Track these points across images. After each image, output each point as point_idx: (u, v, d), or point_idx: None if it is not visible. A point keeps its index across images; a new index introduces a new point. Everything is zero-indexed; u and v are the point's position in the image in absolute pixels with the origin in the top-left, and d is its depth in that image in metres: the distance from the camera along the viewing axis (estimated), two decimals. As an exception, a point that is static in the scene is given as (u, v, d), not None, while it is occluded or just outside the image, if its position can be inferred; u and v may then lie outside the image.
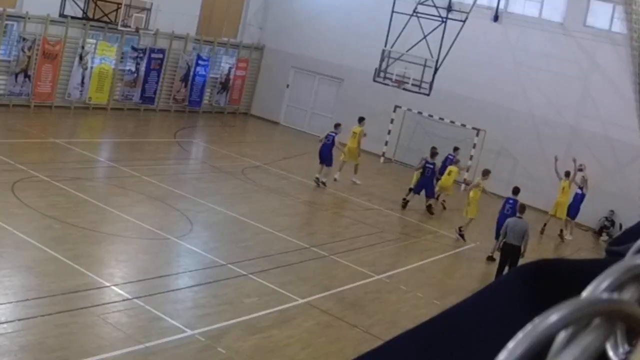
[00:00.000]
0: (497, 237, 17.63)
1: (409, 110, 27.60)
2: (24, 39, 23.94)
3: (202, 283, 13.09)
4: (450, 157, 23.31)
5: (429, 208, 21.47)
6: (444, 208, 22.59)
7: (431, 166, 21.46)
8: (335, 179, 22.39)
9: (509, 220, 16.69)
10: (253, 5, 31.53)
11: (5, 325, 9.90)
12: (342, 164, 22.62)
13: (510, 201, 18.93)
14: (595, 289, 0.60)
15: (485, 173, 20.41)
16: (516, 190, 19.26)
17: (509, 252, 16.07)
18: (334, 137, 21.81)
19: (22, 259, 12.22)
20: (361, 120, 23.45)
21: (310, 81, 31.02)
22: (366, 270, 15.43)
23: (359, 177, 23.00)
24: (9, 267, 11.84)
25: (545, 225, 22.39)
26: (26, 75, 24.28)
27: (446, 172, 22.06)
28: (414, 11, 24.99)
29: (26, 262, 12.14)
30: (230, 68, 30.99)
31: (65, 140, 21.40)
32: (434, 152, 21.83)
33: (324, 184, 21.68)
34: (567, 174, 22.56)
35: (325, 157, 21.72)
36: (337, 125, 22.47)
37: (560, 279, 0.78)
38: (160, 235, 14.89)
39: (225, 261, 14.10)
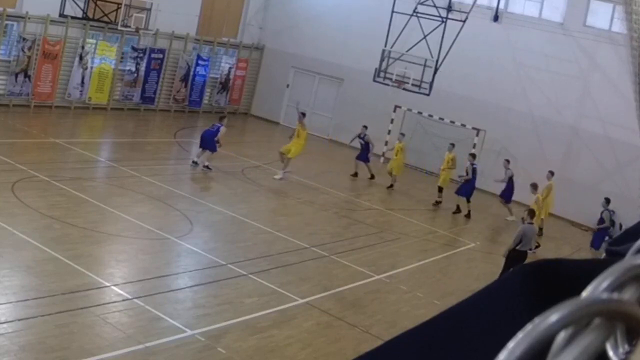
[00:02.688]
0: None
1: (409, 110, 27.59)
2: (24, 39, 23.94)
3: (202, 283, 13.09)
4: (362, 135, 24.56)
5: (468, 212, 22.26)
6: (391, 186, 23.57)
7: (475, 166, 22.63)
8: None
9: (526, 227, 15.98)
10: (253, 5, 31.53)
11: (5, 325, 9.90)
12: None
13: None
14: (595, 289, 0.60)
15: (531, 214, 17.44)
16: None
17: (518, 260, 15.41)
18: (219, 128, 21.42)
19: (22, 259, 12.22)
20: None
21: (310, 81, 31.02)
22: (366, 270, 15.43)
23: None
24: (9, 267, 11.84)
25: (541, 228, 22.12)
26: (26, 75, 24.28)
27: (394, 152, 23.83)
28: (414, 11, 24.99)
29: (26, 262, 12.14)
30: (230, 68, 30.99)
31: (65, 140, 21.40)
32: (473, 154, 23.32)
33: (195, 162, 21.40)
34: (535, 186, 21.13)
35: (208, 142, 21.37)
36: (222, 118, 22.50)
37: (560, 279, 0.78)
38: (160, 235, 14.89)
39: (225, 261, 14.10)
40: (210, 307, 11.98)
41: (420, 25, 24.72)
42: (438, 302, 14.22)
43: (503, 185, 22.96)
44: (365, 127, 24.80)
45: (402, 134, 24.46)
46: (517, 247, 15.70)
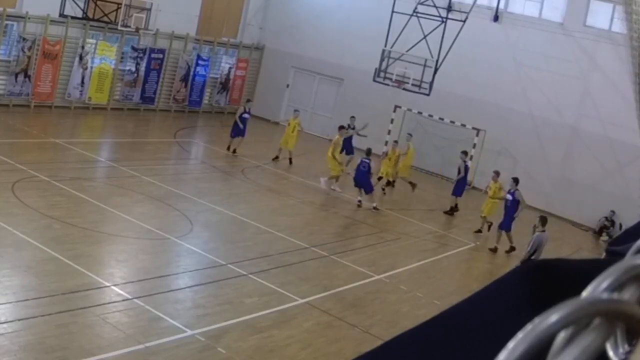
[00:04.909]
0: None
1: (409, 110, 27.60)
2: (24, 39, 23.94)
3: (202, 283, 13.09)
4: (247, 110, 24.41)
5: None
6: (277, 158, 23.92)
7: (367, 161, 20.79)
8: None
9: (541, 236, 15.62)
10: (253, 5, 31.53)
11: (5, 325, 9.90)
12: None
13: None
14: (595, 289, 0.60)
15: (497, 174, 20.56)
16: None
17: None
18: (367, 164, 20.75)
19: (22, 259, 12.22)
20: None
21: (310, 81, 31.03)
22: (366, 270, 15.42)
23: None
24: (9, 267, 11.84)
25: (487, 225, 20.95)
26: (26, 75, 24.28)
27: (290, 128, 24.22)
28: (414, 11, 24.99)
29: (26, 262, 12.14)
30: (230, 68, 30.99)
31: (65, 140, 21.40)
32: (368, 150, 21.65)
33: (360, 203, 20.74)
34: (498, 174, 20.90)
35: (362, 182, 20.68)
36: (368, 152, 21.30)
37: (560, 279, 0.78)
38: (160, 235, 14.88)
39: (225, 261, 14.10)
40: (210, 307, 11.98)
41: (420, 25, 24.72)
42: (438, 302, 14.22)
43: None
44: (249, 100, 25.46)
45: (297, 110, 25.21)
46: (532, 257, 15.23)
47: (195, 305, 12.09)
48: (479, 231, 20.52)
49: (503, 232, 19.14)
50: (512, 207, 19.20)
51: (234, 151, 23.77)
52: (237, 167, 22.34)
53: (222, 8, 30.41)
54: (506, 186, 20.18)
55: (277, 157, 23.99)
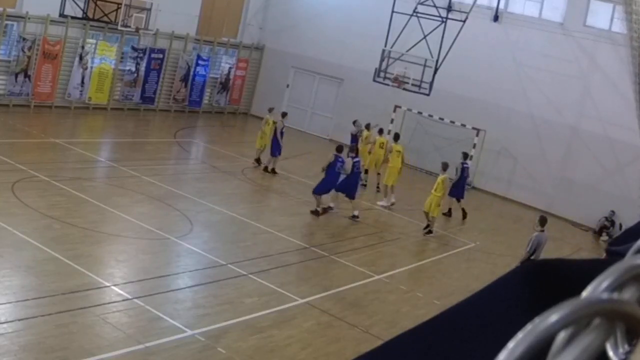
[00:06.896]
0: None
1: (409, 110, 27.60)
2: (24, 39, 23.94)
3: (202, 283, 13.09)
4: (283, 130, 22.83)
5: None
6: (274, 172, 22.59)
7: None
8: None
9: (539, 236, 15.17)
10: (253, 5, 31.53)
11: (5, 325, 9.90)
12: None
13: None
14: (595, 289, 0.60)
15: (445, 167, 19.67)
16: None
17: None
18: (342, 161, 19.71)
19: (22, 259, 12.22)
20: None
21: (310, 81, 31.02)
22: (366, 270, 15.42)
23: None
24: (9, 267, 11.84)
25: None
26: (26, 75, 24.28)
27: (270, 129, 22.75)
28: (414, 11, 24.98)
29: (26, 262, 12.14)
30: (230, 68, 31.00)
31: (65, 140, 21.40)
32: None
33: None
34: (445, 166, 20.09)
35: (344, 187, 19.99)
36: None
37: (560, 279, 0.78)
38: (160, 235, 14.88)
39: (225, 261, 14.10)
40: (210, 307, 11.98)
41: (420, 25, 24.72)
42: (438, 302, 14.22)
43: None
44: (286, 113, 23.88)
45: (271, 109, 23.91)
46: (531, 257, 14.78)
47: (195, 305, 12.10)
48: (428, 228, 19.64)
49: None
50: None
51: (273, 170, 22.37)
52: (237, 167, 22.34)
53: (222, 8, 30.41)
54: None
55: (259, 161, 22.84)
